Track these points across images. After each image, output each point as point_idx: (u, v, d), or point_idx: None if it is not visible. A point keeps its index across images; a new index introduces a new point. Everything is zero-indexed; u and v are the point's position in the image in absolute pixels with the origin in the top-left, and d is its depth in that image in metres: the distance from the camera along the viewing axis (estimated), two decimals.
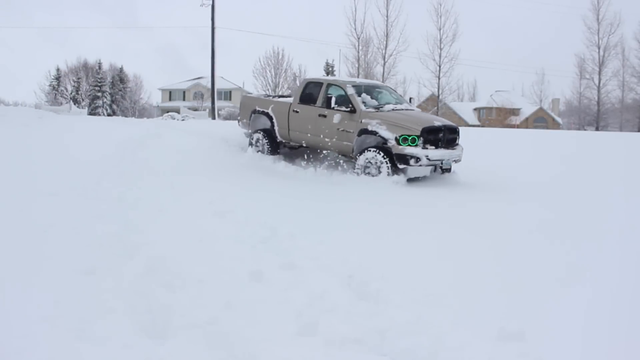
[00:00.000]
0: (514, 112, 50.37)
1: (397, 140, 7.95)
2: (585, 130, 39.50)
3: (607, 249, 4.62)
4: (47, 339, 2.57)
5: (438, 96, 42.45)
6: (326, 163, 9.16)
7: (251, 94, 20.72)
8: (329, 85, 9.30)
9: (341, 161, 9.04)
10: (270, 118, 9.87)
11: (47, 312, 2.84)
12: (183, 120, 25.98)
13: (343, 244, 4.44)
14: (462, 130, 9.72)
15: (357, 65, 43.12)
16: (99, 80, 52.92)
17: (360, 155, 8.30)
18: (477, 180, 8.46)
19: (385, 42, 42.43)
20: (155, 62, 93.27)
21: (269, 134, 9.91)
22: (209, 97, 34.55)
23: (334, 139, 8.79)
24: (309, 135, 9.25)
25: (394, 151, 7.96)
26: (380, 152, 8.06)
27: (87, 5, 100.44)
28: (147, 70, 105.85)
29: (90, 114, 43.08)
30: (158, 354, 2.53)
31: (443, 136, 8.24)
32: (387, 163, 7.97)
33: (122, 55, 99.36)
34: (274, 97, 11.04)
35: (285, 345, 2.70)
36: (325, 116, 8.91)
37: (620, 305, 3.36)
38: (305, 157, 9.58)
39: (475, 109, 53.97)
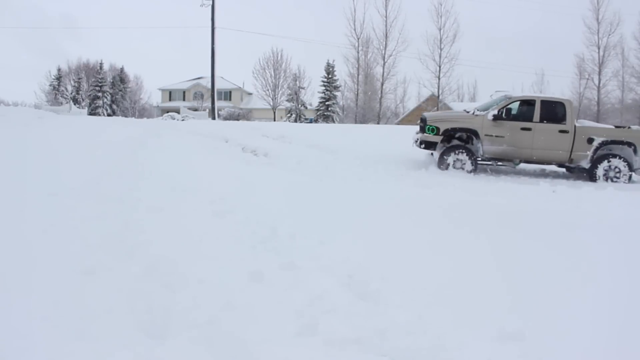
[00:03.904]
0: None
1: None
2: None
3: (606, 246, 4.61)
4: (47, 339, 2.57)
5: (438, 96, 42.39)
6: None
7: None
8: None
9: None
10: None
11: (47, 312, 2.83)
12: (183, 120, 25.98)
13: None
14: None
15: (357, 66, 43.14)
16: (99, 80, 52.87)
17: None
18: None
19: (384, 43, 42.46)
20: (154, 62, 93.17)
21: None
22: (209, 97, 34.56)
23: None
24: None
25: None
26: None
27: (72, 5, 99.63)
28: (144, 70, 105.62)
29: (90, 114, 43.09)
30: (158, 354, 2.53)
31: None
32: None
33: (121, 56, 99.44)
34: None
35: (285, 346, 2.70)
36: None
37: (620, 305, 3.36)
38: None
39: None
